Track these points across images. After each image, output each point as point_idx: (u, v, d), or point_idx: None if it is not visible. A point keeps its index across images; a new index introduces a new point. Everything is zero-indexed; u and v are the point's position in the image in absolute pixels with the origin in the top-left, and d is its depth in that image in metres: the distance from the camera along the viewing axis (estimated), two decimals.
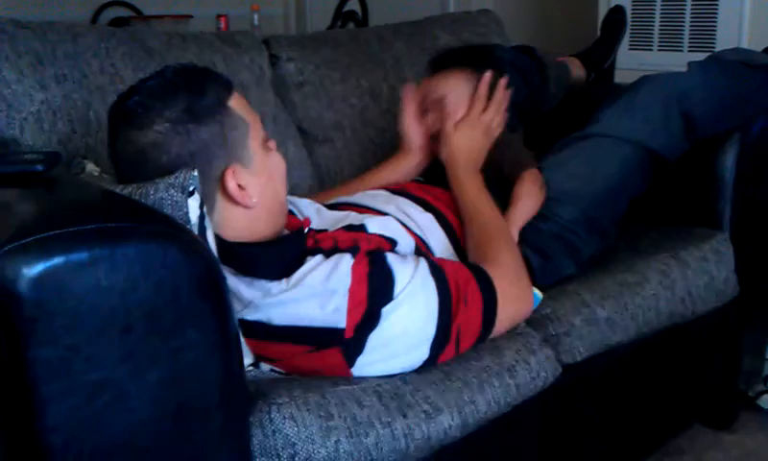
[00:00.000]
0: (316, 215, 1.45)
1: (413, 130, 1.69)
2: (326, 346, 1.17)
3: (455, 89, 1.65)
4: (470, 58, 1.70)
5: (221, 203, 1.20)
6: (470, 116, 1.60)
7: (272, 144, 1.29)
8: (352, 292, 1.16)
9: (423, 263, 1.26)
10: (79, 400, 0.82)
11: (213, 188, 1.19)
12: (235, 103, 1.22)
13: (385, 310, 1.17)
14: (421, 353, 1.23)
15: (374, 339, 1.17)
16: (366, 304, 1.16)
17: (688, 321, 1.69)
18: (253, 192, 1.22)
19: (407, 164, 1.71)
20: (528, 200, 1.59)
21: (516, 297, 1.38)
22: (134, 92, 1.18)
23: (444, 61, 1.71)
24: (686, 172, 1.83)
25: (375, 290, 1.18)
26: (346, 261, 1.18)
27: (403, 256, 1.28)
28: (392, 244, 1.35)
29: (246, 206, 1.21)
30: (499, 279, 1.32)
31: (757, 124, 1.79)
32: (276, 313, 1.17)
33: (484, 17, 2.38)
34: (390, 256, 1.24)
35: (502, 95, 1.63)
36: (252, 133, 1.23)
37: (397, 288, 1.19)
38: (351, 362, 1.18)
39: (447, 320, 1.23)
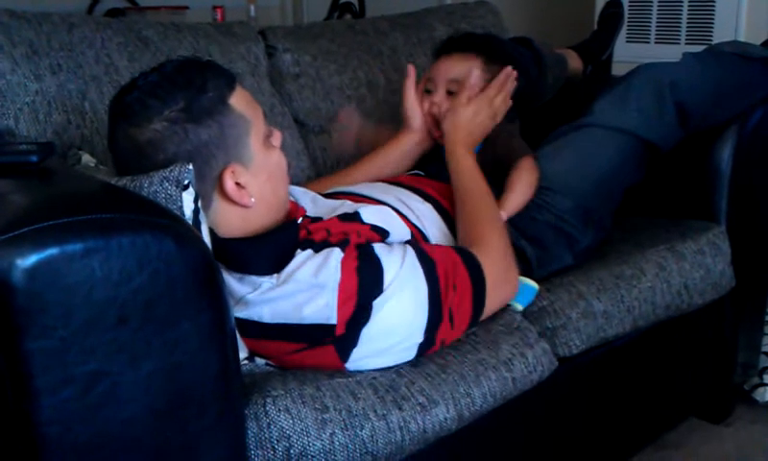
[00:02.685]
0: (311, 204, 1.44)
1: (415, 108, 1.70)
2: (319, 343, 1.16)
3: (471, 71, 1.66)
4: (485, 46, 1.71)
5: (218, 201, 1.20)
6: (485, 95, 1.61)
7: (275, 140, 1.27)
8: (342, 286, 1.15)
9: (411, 251, 1.25)
10: (74, 391, 0.82)
11: (210, 187, 1.18)
12: (237, 99, 1.20)
13: (376, 303, 1.17)
14: (416, 340, 1.22)
15: (367, 333, 1.17)
16: (356, 298, 1.16)
17: (684, 314, 1.69)
18: (252, 191, 1.21)
19: (409, 141, 1.72)
20: (521, 188, 1.59)
21: (504, 280, 1.38)
22: (134, 88, 1.17)
23: (457, 44, 1.72)
24: (683, 164, 1.83)
25: (365, 283, 1.17)
26: (335, 256, 1.17)
27: (390, 246, 1.27)
28: (383, 235, 1.34)
29: (244, 206, 1.20)
30: (486, 262, 1.32)
31: (755, 116, 1.78)
32: (266, 311, 1.16)
33: (481, 8, 2.37)
34: (377, 247, 1.23)
35: (511, 86, 1.66)
36: (253, 131, 1.21)
37: (387, 279, 1.19)
38: (345, 357, 1.18)
39: (438, 306, 1.23)
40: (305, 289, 1.15)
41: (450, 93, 1.66)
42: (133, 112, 1.15)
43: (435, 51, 1.78)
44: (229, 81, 1.21)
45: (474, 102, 1.60)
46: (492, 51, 1.71)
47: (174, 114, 1.14)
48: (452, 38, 1.77)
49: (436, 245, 1.37)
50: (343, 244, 1.21)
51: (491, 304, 1.34)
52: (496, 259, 1.36)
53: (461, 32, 1.80)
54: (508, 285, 1.40)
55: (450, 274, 1.26)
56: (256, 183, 1.21)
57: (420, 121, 1.71)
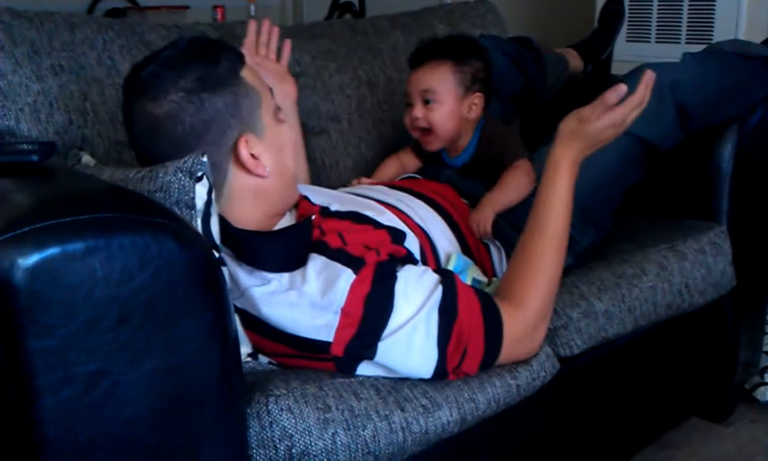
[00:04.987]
0: (314, 194, 1.43)
1: (260, 64, 1.58)
2: (315, 356, 1.17)
3: (441, 81, 1.65)
4: (452, 48, 1.69)
5: (233, 172, 1.21)
6: (622, 110, 1.33)
7: (282, 115, 1.29)
8: (345, 312, 1.14)
9: (438, 295, 1.20)
10: (74, 390, 0.82)
11: (226, 158, 1.20)
12: (248, 73, 1.23)
13: (382, 345, 1.16)
14: (422, 377, 1.21)
15: (371, 366, 1.18)
16: (357, 326, 1.15)
17: (685, 313, 1.69)
18: (266, 162, 1.22)
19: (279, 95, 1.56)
20: (509, 188, 1.59)
21: (525, 340, 1.31)
22: (148, 63, 1.19)
23: (425, 53, 1.70)
24: (684, 164, 1.83)
25: (370, 315, 1.15)
26: (346, 278, 1.16)
27: (423, 272, 1.24)
28: (401, 240, 1.33)
29: (259, 176, 1.22)
30: (512, 322, 1.27)
31: (755, 115, 1.78)
32: (267, 311, 1.16)
33: (481, 8, 2.37)
34: (401, 281, 1.20)
35: (648, 95, 1.37)
36: (264, 104, 1.24)
37: (396, 320, 1.16)
38: (349, 375, 1.18)
39: (444, 364, 1.20)
40: (309, 306, 1.15)
41: (427, 103, 1.65)
42: (150, 86, 1.17)
43: (408, 63, 1.74)
44: (240, 56, 1.24)
45: (608, 116, 1.33)
46: (460, 51, 1.68)
47: (189, 84, 1.16)
48: (419, 49, 1.72)
49: (468, 294, 1.25)
50: (357, 264, 1.18)
51: (502, 361, 1.28)
52: (525, 320, 1.29)
53: (426, 40, 1.75)
54: (527, 345, 1.32)
55: (465, 335, 1.21)
56: (269, 155, 1.23)
57: (269, 68, 1.59)
